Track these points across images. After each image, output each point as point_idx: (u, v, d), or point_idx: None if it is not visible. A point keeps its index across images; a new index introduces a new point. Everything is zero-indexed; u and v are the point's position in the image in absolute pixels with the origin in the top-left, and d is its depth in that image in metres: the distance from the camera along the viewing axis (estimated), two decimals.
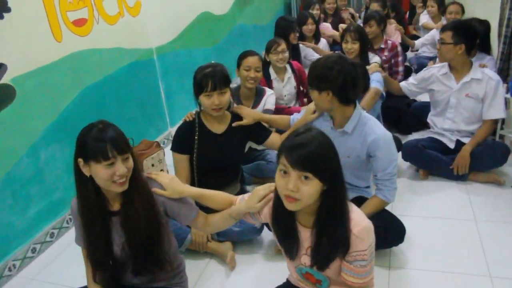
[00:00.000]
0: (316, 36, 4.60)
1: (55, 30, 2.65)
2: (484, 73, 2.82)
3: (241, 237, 2.39)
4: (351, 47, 3.14)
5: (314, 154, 1.35)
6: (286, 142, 1.41)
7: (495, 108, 2.78)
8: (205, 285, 2.19)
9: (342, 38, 3.22)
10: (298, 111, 2.59)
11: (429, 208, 2.63)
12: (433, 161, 2.86)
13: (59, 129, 2.69)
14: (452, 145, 2.91)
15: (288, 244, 1.58)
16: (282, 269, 2.20)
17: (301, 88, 3.62)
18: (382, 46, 3.95)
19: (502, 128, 3.05)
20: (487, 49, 3.40)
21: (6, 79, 2.35)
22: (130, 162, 1.57)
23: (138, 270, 1.71)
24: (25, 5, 2.44)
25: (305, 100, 4.01)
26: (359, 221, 1.46)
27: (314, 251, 1.50)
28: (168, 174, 1.79)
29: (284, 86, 3.53)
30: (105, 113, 3.08)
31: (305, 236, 1.53)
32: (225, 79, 2.29)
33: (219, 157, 2.41)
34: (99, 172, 1.51)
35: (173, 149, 2.41)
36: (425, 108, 3.46)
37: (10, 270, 2.40)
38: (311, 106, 2.34)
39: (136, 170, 1.63)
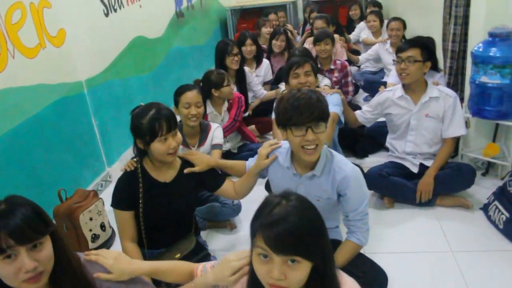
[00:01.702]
0: (258, 58, 4.37)
1: None
2: (440, 90, 2.72)
3: None
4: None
5: (298, 231, 1.09)
6: (261, 219, 1.13)
7: (455, 125, 2.68)
8: None
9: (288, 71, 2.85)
10: None
11: (402, 242, 2.44)
12: (398, 188, 2.70)
13: None
14: (415, 169, 2.78)
15: None
16: None
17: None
18: (332, 67, 3.80)
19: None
20: (435, 66, 3.33)
21: None
22: (46, 251, 1.20)
23: None
24: None
25: (253, 126, 3.81)
26: None
27: None
28: (111, 251, 1.44)
29: (222, 119, 3.28)
30: (29, 163, 2.62)
31: None
32: (175, 117, 1.99)
33: (170, 210, 2.08)
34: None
35: (114, 205, 2.05)
36: (380, 128, 3.35)
37: None
38: (263, 151, 2.07)
39: (64, 254, 1.27)
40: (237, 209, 2.63)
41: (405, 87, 2.78)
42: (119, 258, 1.42)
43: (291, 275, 1.10)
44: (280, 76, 4.96)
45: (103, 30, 3.50)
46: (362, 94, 4.63)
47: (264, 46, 4.77)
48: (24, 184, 2.54)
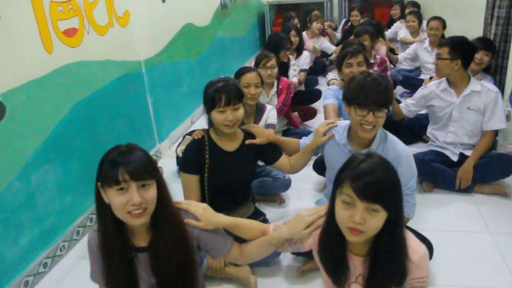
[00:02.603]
0: (299, 49, 4.57)
1: (46, 41, 2.43)
2: (483, 85, 2.86)
3: (260, 260, 2.23)
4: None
5: (382, 183, 1.28)
6: (349, 171, 1.32)
7: (496, 119, 2.82)
8: None
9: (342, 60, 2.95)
10: None
11: (441, 222, 2.60)
12: (439, 174, 2.86)
13: (50, 148, 2.46)
14: (455, 158, 2.93)
15: (337, 273, 1.48)
16: None
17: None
18: (372, 61, 3.95)
19: None
20: (488, 70, 3.47)
21: None
22: (151, 192, 1.39)
23: None
24: (14, 12, 2.21)
25: (296, 113, 3.97)
26: (417, 249, 1.40)
27: (369, 282, 1.42)
28: (199, 203, 1.63)
29: (268, 102, 3.45)
30: (96, 130, 2.86)
31: (357, 264, 1.45)
32: (239, 93, 2.17)
33: (232, 176, 2.27)
34: (112, 198, 1.36)
35: (183, 169, 2.25)
36: (419, 121, 3.49)
37: None
38: (321, 129, 2.25)
39: (166, 201, 1.47)
40: (288, 183, 2.81)
41: (449, 81, 2.93)
42: (207, 209, 1.59)
43: (370, 221, 1.28)
44: (315, 69, 5.18)
45: (160, 15, 3.72)
46: (399, 90, 4.77)
47: None
48: (91, 149, 2.77)
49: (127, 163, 1.34)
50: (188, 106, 4.28)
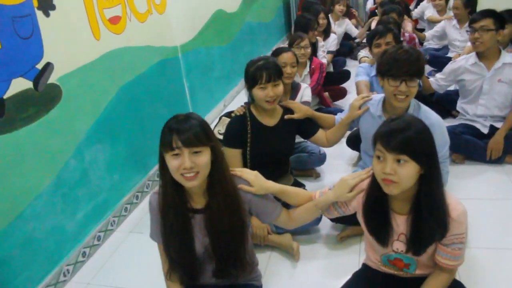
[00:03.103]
0: (326, 32, 4.65)
1: (94, 28, 2.60)
2: None
3: (300, 228, 2.37)
4: None
5: (410, 138, 1.38)
6: (381, 129, 1.44)
7: None
8: (273, 278, 2.18)
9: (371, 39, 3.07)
10: None
11: (473, 191, 2.68)
12: (470, 145, 2.93)
13: (100, 129, 2.64)
14: (485, 130, 2.99)
15: (380, 232, 1.59)
16: (348, 257, 2.24)
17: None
18: (401, 39, 4.00)
19: None
20: None
21: (52, 78, 2.28)
22: (203, 158, 1.50)
23: (221, 273, 1.67)
24: (67, 3, 2.38)
25: (326, 93, 4.06)
26: (456, 206, 1.49)
27: (412, 238, 1.52)
28: (250, 170, 1.73)
29: (301, 81, 3.55)
30: (140, 113, 3.03)
31: (399, 222, 1.55)
32: (279, 71, 2.29)
33: (272, 150, 2.41)
34: (168, 162, 1.49)
35: (226, 144, 2.39)
36: (449, 96, 3.54)
37: (64, 275, 2.34)
38: (356, 103, 2.36)
39: (220, 167, 1.58)
40: (323, 158, 2.93)
41: (479, 54, 2.98)
42: (258, 175, 1.70)
43: (400, 171, 1.39)
44: (343, 51, 5.25)
45: (193, 1, 3.86)
46: (427, 69, 4.77)
47: None
48: (134, 131, 2.96)
49: (181, 131, 1.46)
50: (221, 90, 4.44)
